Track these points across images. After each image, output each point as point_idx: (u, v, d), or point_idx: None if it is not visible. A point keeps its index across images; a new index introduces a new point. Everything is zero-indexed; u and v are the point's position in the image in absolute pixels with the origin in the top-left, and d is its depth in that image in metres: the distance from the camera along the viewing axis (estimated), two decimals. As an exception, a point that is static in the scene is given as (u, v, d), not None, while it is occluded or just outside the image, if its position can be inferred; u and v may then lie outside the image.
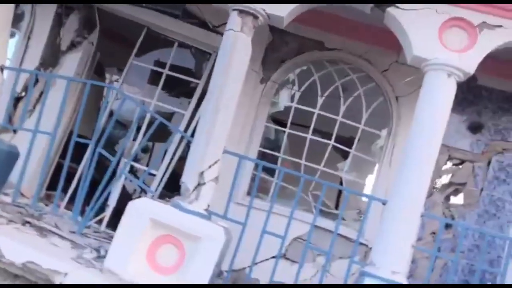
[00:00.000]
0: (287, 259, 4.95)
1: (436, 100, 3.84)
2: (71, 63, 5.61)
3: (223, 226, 3.85)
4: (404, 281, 3.65)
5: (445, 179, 5.14)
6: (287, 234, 3.99)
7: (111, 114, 5.81)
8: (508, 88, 5.05)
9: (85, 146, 5.03)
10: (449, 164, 5.12)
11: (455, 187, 5.04)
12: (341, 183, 7.72)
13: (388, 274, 3.62)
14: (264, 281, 4.87)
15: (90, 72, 6.06)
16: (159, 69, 5.67)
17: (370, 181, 7.03)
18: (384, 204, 3.86)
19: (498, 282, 4.66)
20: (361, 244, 4.76)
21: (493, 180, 4.95)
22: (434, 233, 4.93)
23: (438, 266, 4.57)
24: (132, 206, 3.85)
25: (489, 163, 5.01)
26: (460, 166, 5.04)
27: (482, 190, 4.96)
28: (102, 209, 4.96)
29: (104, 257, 3.88)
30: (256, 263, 4.00)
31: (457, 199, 5.04)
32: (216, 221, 3.98)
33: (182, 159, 5.10)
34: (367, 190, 7.96)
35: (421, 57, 3.89)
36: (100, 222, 5.13)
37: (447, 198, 5.07)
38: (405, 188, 3.80)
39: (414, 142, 3.90)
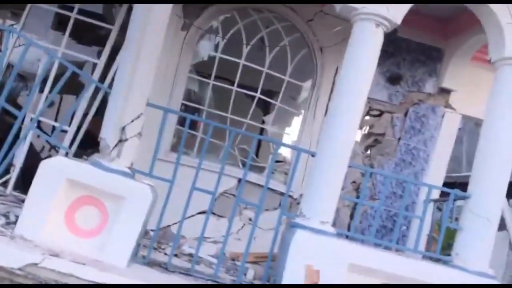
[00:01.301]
0: (214, 214, 4.86)
1: (365, 51, 3.84)
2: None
3: (149, 184, 3.62)
4: (331, 230, 3.72)
5: (364, 130, 5.29)
6: (217, 189, 3.86)
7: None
8: (425, 41, 5.22)
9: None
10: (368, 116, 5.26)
11: (375, 138, 5.21)
12: (259, 142, 7.73)
13: (318, 224, 3.67)
14: (190, 237, 4.77)
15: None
16: (67, 12, 5.06)
17: (290, 132, 7.10)
18: (313, 156, 3.86)
19: (413, 226, 4.98)
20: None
21: (409, 130, 5.18)
22: (354, 182, 5.11)
23: (358, 213, 4.74)
24: (45, 166, 3.48)
25: (406, 113, 5.22)
26: (380, 118, 5.20)
27: (399, 139, 5.19)
28: (6, 170, 4.45)
29: (14, 223, 3.51)
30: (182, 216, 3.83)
31: (376, 149, 5.22)
32: (141, 179, 3.74)
33: (96, 115, 4.70)
34: (287, 141, 8.07)
35: (351, 6, 3.83)
36: (5, 184, 4.61)
37: (367, 148, 5.24)
38: (333, 140, 3.81)
39: (341, 94, 3.89)
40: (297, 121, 7.74)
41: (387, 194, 5.03)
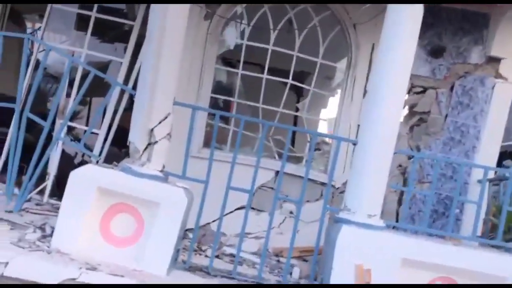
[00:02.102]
0: (253, 208, 4.66)
1: (404, 24, 3.49)
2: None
3: (183, 187, 3.46)
4: (380, 223, 3.46)
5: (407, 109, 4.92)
6: (254, 186, 3.65)
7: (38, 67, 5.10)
8: (469, 7, 4.76)
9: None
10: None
11: (419, 116, 4.84)
12: (294, 122, 7.46)
13: (364, 218, 3.42)
14: (230, 233, 4.61)
15: (3, 22, 5.20)
16: (86, 12, 4.92)
17: (325, 117, 6.78)
18: (354, 144, 3.58)
19: (467, 209, 4.63)
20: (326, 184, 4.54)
21: (456, 105, 4.78)
22: (400, 165, 4.78)
23: (407, 201, 4.43)
24: (75, 176, 3.37)
25: (452, 88, 4.81)
26: (423, 94, 4.82)
27: (446, 117, 4.79)
28: (42, 177, 4.40)
29: (50, 235, 3.43)
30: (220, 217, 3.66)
31: (421, 129, 4.85)
32: (174, 181, 3.59)
33: (127, 110, 4.56)
34: (323, 126, 7.75)
35: (384, -23, 3.49)
36: (41, 192, 4.57)
37: (411, 128, 4.88)
38: (375, 124, 3.51)
39: (380, 73, 3.58)
40: (332, 103, 7.40)
41: (437, 176, 4.67)
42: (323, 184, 4.67)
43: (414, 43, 3.55)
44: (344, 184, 4.65)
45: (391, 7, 3.52)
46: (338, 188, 4.72)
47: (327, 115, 7.77)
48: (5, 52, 3.97)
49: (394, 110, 3.54)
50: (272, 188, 4.67)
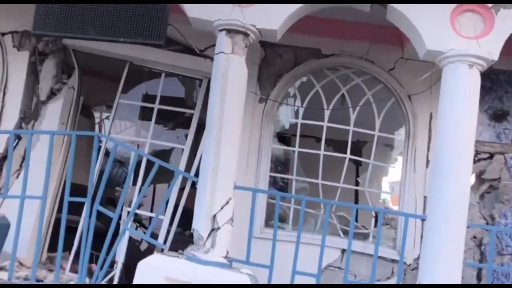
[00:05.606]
0: (320, 290, 4.48)
1: (461, 96, 3.44)
2: (54, 112, 5.18)
3: (247, 273, 3.42)
4: (460, 303, 3.22)
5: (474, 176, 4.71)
6: (320, 268, 3.55)
7: (107, 153, 5.43)
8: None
9: (85, 193, 4.59)
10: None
11: (489, 184, 4.60)
12: (355, 193, 7.30)
13: (442, 299, 3.19)
14: (298, 318, 4.43)
15: (76, 118, 5.64)
16: (149, 105, 5.26)
17: (387, 189, 6.63)
18: (423, 220, 3.44)
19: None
20: (397, 261, 4.32)
21: (529, 169, 4.53)
22: (475, 237, 4.49)
23: (485, 275, 4.13)
24: (143, 266, 3.44)
25: (522, 152, 4.59)
26: (491, 160, 4.61)
27: (519, 182, 4.54)
28: (110, 264, 4.51)
29: (119, 328, 3.45)
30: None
31: (493, 196, 4.59)
32: (239, 266, 3.56)
33: (192, 189, 4.67)
34: (386, 190, 7.55)
35: (435, 50, 3.51)
36: (110, 280, 4.67)
37: (482, 197, 4.63)
38: (444, 199, 3.38)
39: (442, 145, 3.49)
40: (393, 171, 7.25)
41: (516, 247, 4.35)
42: (393, 261, 4.46)
43: (474, 112, 3.46)
44: (416, 260, 4.43)
45: (445, 79, 3.50)
46: (409, 265, 4.47)
47: (388, 180, 7.57)
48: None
49: (462, 179, 3.39)
50: (339, 267, 4.50)
